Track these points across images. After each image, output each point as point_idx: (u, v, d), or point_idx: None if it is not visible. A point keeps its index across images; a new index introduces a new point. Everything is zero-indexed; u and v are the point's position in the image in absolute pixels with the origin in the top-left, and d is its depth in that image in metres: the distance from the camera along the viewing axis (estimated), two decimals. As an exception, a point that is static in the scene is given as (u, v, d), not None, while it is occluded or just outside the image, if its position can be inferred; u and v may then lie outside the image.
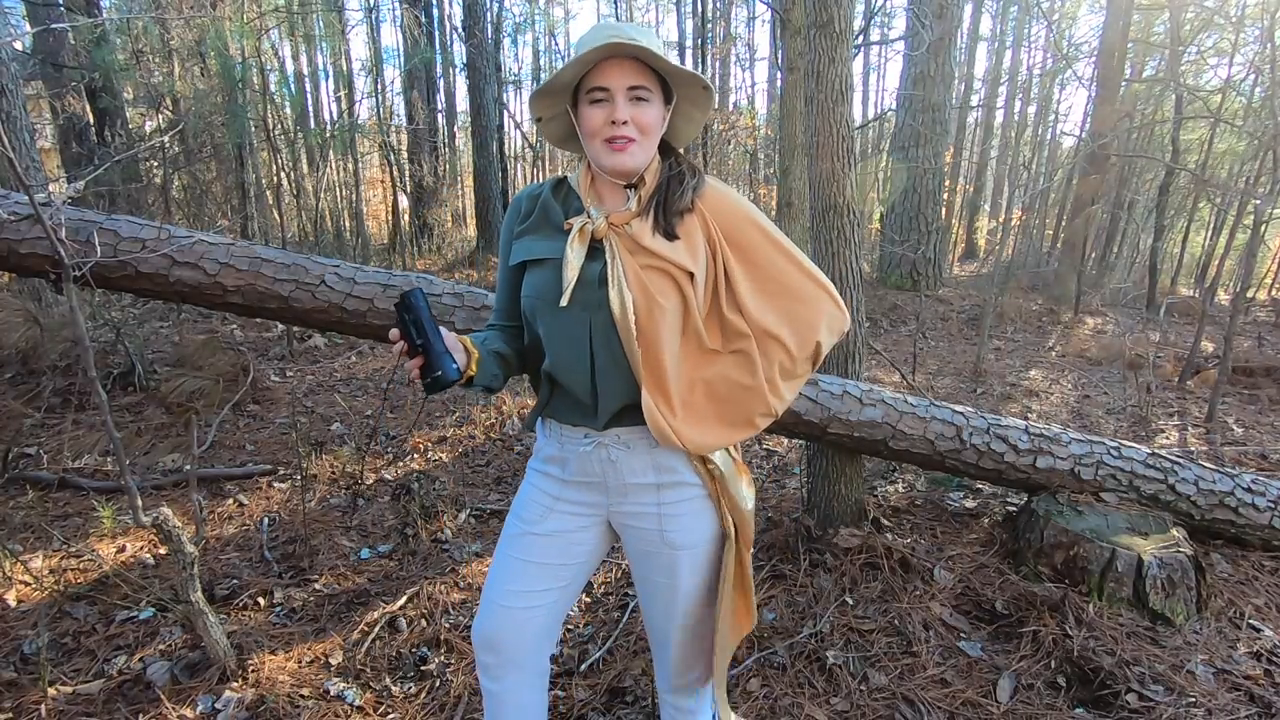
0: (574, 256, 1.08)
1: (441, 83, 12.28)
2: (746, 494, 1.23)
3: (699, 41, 11.86)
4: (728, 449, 1.20)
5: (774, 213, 6.17)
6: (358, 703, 1.81)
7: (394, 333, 1.03)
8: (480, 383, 1.14)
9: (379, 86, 10.15)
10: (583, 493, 1.22)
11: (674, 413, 1.10)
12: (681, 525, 1.20)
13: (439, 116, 11.87)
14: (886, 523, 2.70)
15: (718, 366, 1.12)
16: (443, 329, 1.05)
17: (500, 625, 1.22)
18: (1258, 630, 2.14)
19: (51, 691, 1.78)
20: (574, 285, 1.08)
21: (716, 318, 1.13)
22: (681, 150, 1.21)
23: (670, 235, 1.09)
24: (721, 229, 1.13)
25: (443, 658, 1.98)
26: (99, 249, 1.95)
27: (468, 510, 2.92)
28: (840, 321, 1.20)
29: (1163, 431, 4.19)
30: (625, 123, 1.06)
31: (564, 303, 1.08)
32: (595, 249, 1.11)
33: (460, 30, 10.74)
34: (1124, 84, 9.00)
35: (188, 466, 3.19)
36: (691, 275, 1.09)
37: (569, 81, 1.09)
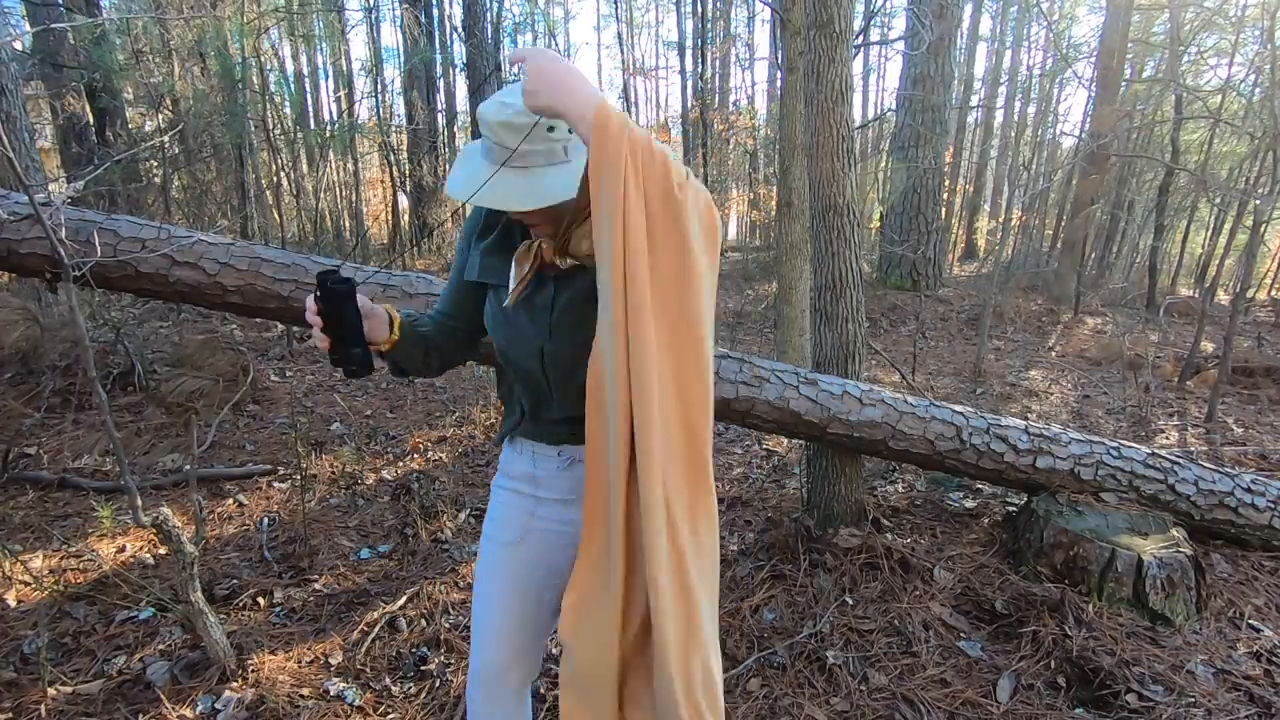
0: (516, 272, 1.12)
1: (441, 83, 12.25)
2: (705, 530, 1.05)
3: (699, 41, 11.86)
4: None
5: (774, 213, 6.15)
6: (358, 703, 1.81)
7: (314, 306, 1.04)
8: (393, 357, 1.17)
9: (379, 86, 10.15)
10: (558, 509, 1.23)
11: None
12: None
13: (439, 116, 11.85)
14: (886, 523, 2.70)
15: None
16: (370, 305, 1.08)
17: (498, 658, 1.23)
18: (1257, 630, 2.14)
19: (51, 691, 1.78)
20: (523, 298, 1.12)
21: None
22: None
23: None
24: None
25: (443, 658, 1.98)
26: (99, 249, 1.95)
27: (468, 510, 2.92)
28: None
29: (1163, 431, 4.19)
30: (534, 226, 1.09)
31: (507, 303, 1.12)
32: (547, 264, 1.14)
33: (460, 30, 10.74)
34: (1124, 84, 8.99)
35: (188, 466, 3.19)
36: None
37: None
